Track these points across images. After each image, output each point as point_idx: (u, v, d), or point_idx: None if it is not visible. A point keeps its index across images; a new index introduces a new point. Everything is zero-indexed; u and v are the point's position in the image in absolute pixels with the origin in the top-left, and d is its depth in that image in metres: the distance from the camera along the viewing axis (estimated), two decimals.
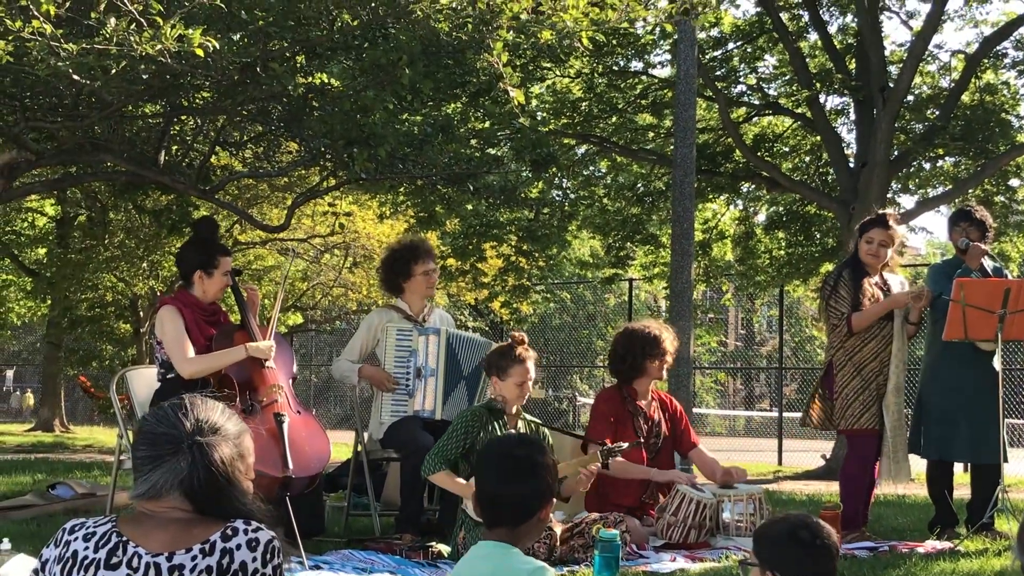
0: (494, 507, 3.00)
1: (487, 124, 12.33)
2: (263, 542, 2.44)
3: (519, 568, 2.85)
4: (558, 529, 5.71)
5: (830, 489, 8.87)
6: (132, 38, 5.85)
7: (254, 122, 9.57)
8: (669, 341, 6.93)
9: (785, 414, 21.54)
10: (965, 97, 15.69)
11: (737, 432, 38.62)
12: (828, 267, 17.28)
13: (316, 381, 37.01)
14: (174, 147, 10.16)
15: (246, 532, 2.44)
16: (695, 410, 22.84)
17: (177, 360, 6.04)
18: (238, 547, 2.41)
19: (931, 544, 6.59)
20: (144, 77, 6.83)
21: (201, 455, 2.50)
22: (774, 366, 25.59)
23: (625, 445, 6.13)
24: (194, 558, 2.39)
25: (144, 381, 6.71)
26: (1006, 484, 6.67)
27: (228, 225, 19.18)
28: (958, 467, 7.36)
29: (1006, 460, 6.77)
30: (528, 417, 6.21)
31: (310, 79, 7.25)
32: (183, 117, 9.64)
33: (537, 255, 17.42)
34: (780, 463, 18.94)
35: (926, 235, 27.76)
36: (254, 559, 2.42)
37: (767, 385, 40.97)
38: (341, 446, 9.85)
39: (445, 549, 5.98)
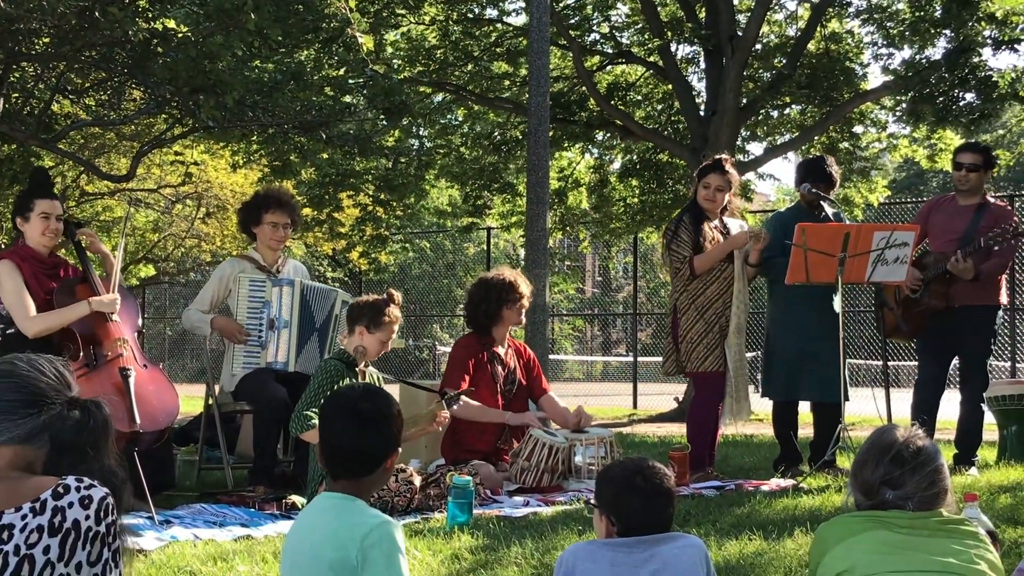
0: (339, 459, 2.98)
1: (341, 71, 12.15)
2: (96, 499, 2.36)
3: (365, 522, 2.83)
4: (417, 481, 5.73)
5: (682, 431, 9.10)
6: None
7: (97, 68, 9.27)
8: (524, 286, 6.99)
9: (640, 359, 21.92)
10: (811, 46, 16.01)
11: (594, 377, 39.21)
12: None
13: (171, 334, 36.29)
14: (14, 95, 9.79)
15: (78, 489, 2.35)
16: (553, 356, 23.10)
17: (19, 319, 5.85)
18: (70, 505, 2.33)
19: (776, 482, 6.80)
20: None
21: (98, 410, 2.47)
22: (629, 312, 25.96)
23: (458, 392, 6.24)
24: (24, 517, 2.30)
25: None
26: (847, 422, 6.90)
27: (75, 175, 18.59)
28: (803, 407, 7.59)
29: (847, 399, 7.01)
30: (374, 371, 6.20)
31: (153, 24, 7.05)
32: (22, 64, 9.28)
33: (395, 205, 17.29)
34: (635, 406, 19.30)
35: (774, 182, 28.39)
36: (87, 517, 2.34)
37: (623, 331, 41.63)
38: (196, 399, 9.69)
39: (300, 500, 5.95)
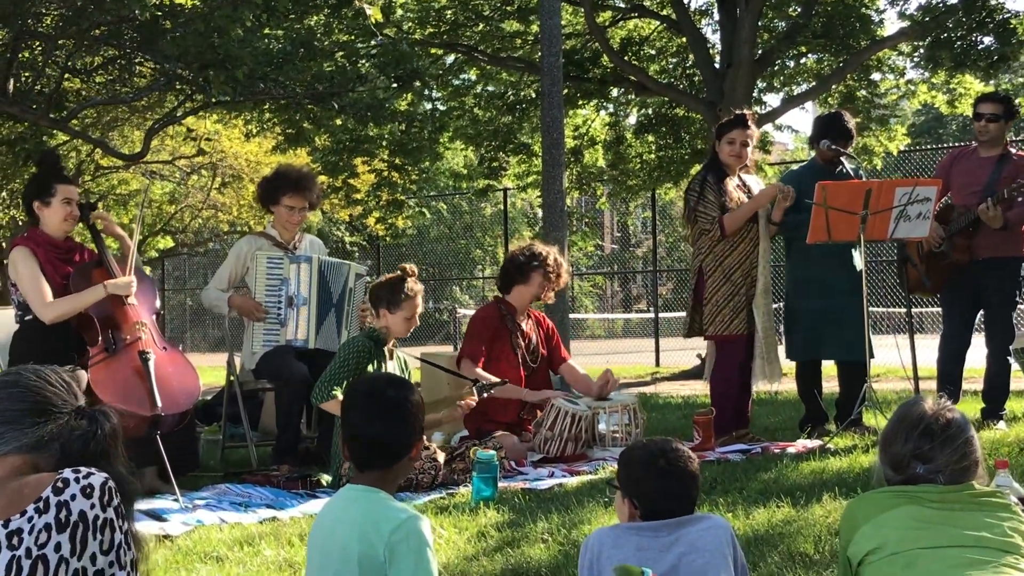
0: (364, 450, 2.95)
1: (351, 36, 12.04)
2: (97, 486, 2.33)
3: (392, 516, 2.80)
4: (441, 458, 5.71)
5: (706, 389, 9.05)
6: None
7: (106, 45, 9.21)
8: (564, 275, 6.97)
9: (661, 315, 21.84)
10: None
11: (616, 334, 39.18)
12: (698, 168, 17.40)
13: (191, 304, 36.42)
14: (24, 74, 9.74)
15: (77, 480, 2.33)
16: (573, 315, 23.05)
17: (36, 305, 5.83)
18: (73, 497, 2.30)
19: (802, 443, 6.76)
20: None
21: (105, 419, 2.45)
22: (649, 269, 25.87)
23: (497, 381, 6.23)
24: (30, 519, 2.27)
25: (1, 323, 6.48)
26: (872, 374, 6.84)
27: (89, 150, 18.56)
28: (826, 364, 7.53)
29: (872, 356, 6.94)
30: (401, 354, 6.19)
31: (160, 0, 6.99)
32: (32, 43, 9.23)
33: (410, 169, 17.22)
34: (658, 364, 19.28)
35: (792, 132, 28.10)
36: (92, 506, 2.31)
37: (643, 287, 41.54)
38: (219, 369, 9.67)
39: (325, 478, 5.94)
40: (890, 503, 2.89)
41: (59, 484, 2.32)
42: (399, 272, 6.02)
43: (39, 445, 2.40)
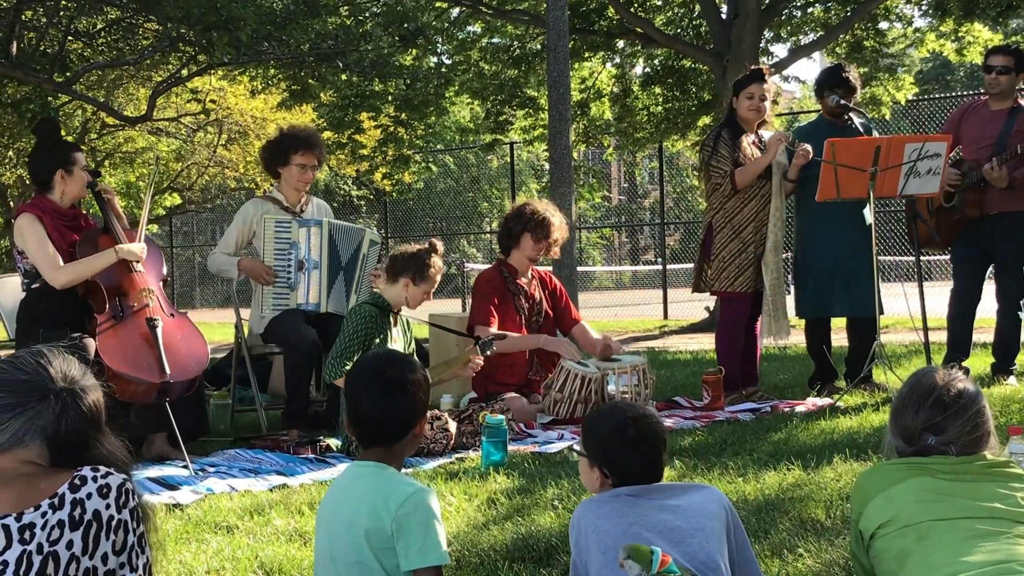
0: (368, 427, 2.94)
1: None
2: (115, 487, 2.31)
3: (399, 491, 2.80)
4: (453, 427, 5.71)
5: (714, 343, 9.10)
6: None
7: (109, 6, 9.13)
8: (556, 231, 6.91)
9: (669, 266, 21.80)
10: None
11: (624, 285, 39.16)
12: (705, 120, 17.33)
13: (200, 260, 36.43)
14: (28, 34, 9.68)
15: (95, 479, 2.31)
16: (581, 268, 23.02)
17: (46, 271, 5.81)
18: (89, 496, 2.28)
19: (812, 401, 6.75)
20: None
21: (73, 401, 2.39)
22: (657, 222, 25.78)
23: (492, 337, 6.22)
24: (44, 515, 2.25)
25: (8, 291, 6.48)
26: (881, 325, 6.82)
27: (94, 109, 18.50)
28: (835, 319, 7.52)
29: (882, 312, 6.91)
30: (404, 317, 6.19)
31: None
32: (35, 6, 9.16)
33: (415, 125, 17.14)
34: (666, 316, 19.25)
35: (799, 83, 27.81)
36: (107, 506, 2.29)
37: (651, 237, 41.46)
38: (228, 326, 9.63)
39: (334, 443, 5.95)
40: (902, 475, 2.88)
41: (76, 481, 2.30)
42: (428, 245, 6.01)
43: (19, 439, 2.35)
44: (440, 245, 6.07)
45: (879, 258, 6.90)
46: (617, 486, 2.92)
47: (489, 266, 7.21)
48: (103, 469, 2.34)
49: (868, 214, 6.94)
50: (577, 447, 3.10)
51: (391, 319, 6.01)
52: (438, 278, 6.02)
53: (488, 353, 6.15)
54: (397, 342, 6.03)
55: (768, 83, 7.14)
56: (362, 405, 2.95)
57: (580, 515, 2.91)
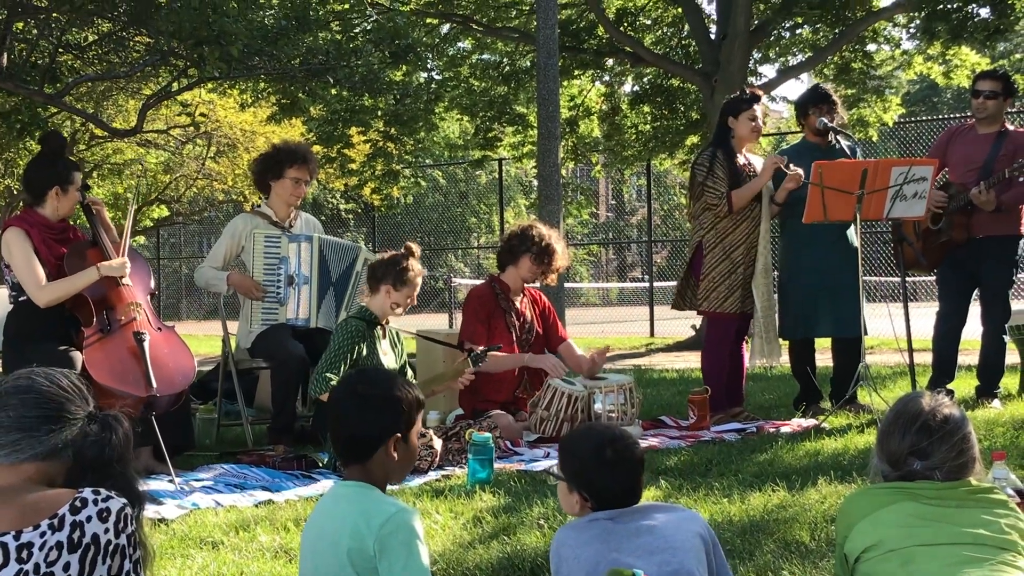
0: (339, 442, 2.99)
1: (346, 5, 11.93)
2: (114, 511, 2.32)
3: (382, 510, 2.80)
4: (438, 445, 5.71)
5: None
6: None
7: (100, 19, 9.13)
8: (558, 259, 6.90)
9: (656, 284, 21.83)
10: None
11: (611, 302, 39.20)
12: (693, 139, 17.38)
13: (187, 272, 36.33)
14: (19, 46, 9.67)
15: (96, 502, 2.31)
16: (569, 284, 23.05)
17: (30, 288, 5.80)
18: (88, 519, 2.28)
19: (797, 423, 6.78)
20: None
21: (118, 424, 2.44)
22: (644, 239, 25.83)
23: (484, 349, 6.21)
24: (43, 535, 2.25)
25: None
26: (867, 345, 6.85)
27: (83, 121, 18.46)
28: (821, 342, 7.54)
29: (866, 333, 6.94)
30: (394, 329, 6.19)
31: None
32: (25, 19, 9.16)
33: (405, 140, 17.14)
34: (652, 333, 19.28)
35: (787, 103, 27.95)
36: (106, 530, 2.29)
37: (638, 255, 41.53)
38: (214, 339, 9.62)
39: (320, 458, 5.94)
40: (887, 499, 2.89)
41: (77, 503, 2.30)
42: (403, 250, 6.02)
43: (53, 452, 2.38)
44: (417, 248, 6.07)
45: (864, 278, 6.93)
46: (597, 509, 2.93)
47: (481, 282, 7.21)
48: (104, 492, 2.34)
49: (855, 236, 6.98)
50: (555, 471, 3.09)
51: (379, 332, 6.01)
52: (418, 281, 6.00)
53: (479, 365, 6.16)
54: (387, 355, 6.03)
55: (765, 104, 7.24)
56: (334, 419, 3.00)
57: (560, 542, 2.92)
